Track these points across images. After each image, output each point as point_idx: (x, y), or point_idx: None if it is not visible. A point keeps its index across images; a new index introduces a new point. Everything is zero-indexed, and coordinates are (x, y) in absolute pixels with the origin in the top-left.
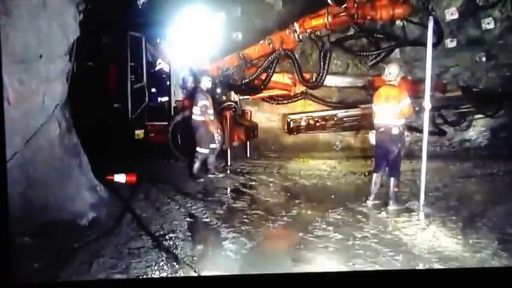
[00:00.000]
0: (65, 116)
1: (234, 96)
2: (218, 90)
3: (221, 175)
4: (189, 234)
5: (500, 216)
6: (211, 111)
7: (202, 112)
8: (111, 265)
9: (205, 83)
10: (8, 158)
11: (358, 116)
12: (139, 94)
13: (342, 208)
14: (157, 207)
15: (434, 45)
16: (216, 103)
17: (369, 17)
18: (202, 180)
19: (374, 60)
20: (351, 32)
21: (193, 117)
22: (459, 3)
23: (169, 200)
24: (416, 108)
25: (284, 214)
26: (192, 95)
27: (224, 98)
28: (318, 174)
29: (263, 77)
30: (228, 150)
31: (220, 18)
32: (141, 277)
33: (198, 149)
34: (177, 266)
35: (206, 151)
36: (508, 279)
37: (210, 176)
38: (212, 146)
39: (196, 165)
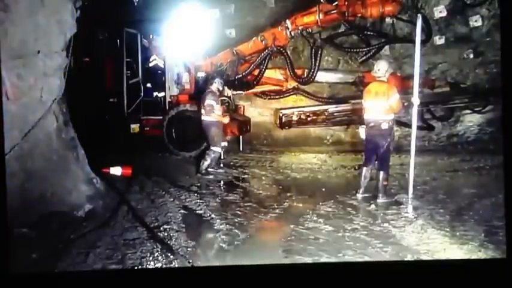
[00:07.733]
0: (62, 110)
1: (227, 92)
2: None
3: (218, 170)
4: (183, 225)
5: (486, 209)
6: (218, 112)
7: (207, 111)
8: (107, 256)
9: (218, 85)
10: (7, 151)
11: (348, 111)
12: (135, 89)
13: (332, 201)
14: (152, 199)
15: (423, 42)
16: None
17: (359, 15)
18: (211, 176)
19: (364, 57)
20: (342, 29)
21: (202, 117)
22: (447, 1)
23: (164, 193)
24: (405, 104)
25: (276, 206)
26: (199, 96)
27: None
28: (309, 167)
29: (256, 72)
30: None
31: (214, 16)
32: (136, 267)
33: (211, 147)
34: (171, 256)
35: (218, 149)
36: (494, 270)
37: (210, 170)
38: (224, 144)
39: (206, 162)
